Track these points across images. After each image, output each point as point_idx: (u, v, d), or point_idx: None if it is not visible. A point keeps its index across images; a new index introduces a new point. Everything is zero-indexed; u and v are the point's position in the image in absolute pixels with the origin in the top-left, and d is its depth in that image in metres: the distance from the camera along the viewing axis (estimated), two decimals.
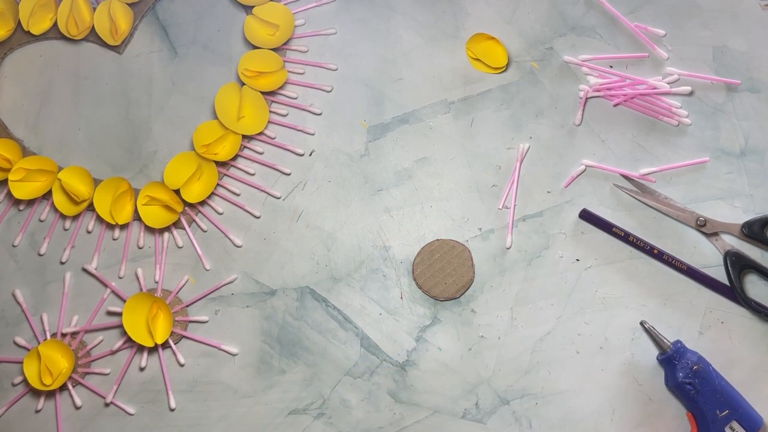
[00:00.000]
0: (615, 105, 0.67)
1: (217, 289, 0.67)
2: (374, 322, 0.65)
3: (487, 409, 0.63)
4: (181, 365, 0.66)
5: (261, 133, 0.69)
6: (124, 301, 0.66)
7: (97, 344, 0.67)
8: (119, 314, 0.66)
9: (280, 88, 0.69)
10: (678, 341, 0.61)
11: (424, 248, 0.66)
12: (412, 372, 0.64)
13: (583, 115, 0.67)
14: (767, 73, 0.67)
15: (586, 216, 0.65)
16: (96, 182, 0.69)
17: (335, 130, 0.69)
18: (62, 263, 0.68)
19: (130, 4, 0.71)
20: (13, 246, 0.69)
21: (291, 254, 0.67)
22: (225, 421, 0.65)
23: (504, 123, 0.68)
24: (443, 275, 0.65)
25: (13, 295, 0.68)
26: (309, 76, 0.70)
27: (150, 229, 0.68)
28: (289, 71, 0.70)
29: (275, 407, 0.65)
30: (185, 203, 0.68)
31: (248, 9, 0.71)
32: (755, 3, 0.68)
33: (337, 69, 0.70)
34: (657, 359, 0.62)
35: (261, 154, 0.69)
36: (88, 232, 0.68)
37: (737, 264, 0.62)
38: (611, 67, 0.68)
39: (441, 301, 0.65)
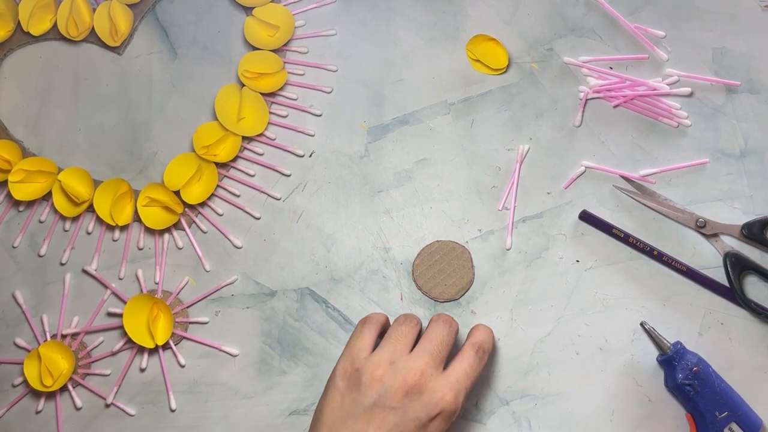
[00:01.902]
0: (615, 106, 0.67)
1: (218, 290, 0.67)
2: None
3: (487, 410, 0.63)
4: (182, 366, 0.66)
5: (261, 135, 0.69)
6: (125, 302, 0.66)
7: (98, 345, 0.67)
8: (120, 315, 0.66)
9: (280, 89, 0.69)
10: (678, 342, 0.61)
11: (424, 249, 0.66)
12: None
13: (583, 116, 0.67)
14: (767, 74, 0.67)
15: (586, 217, 0.65)
16: (96, 183, 0.69)
17: (335, 131, 0.69)
18: (62, 264, 0.68)
19: (129, 5, 0.71)
20: (13, 247, 0.69)
21: (291, 255, 0.67)
22: (225, 422, 0.65)
23: (504, 124, 0.68)
24: (443, 276, 0.65)
25: (13, 297, 0.68)
26: (309, 78, 0.70)
27: (150, 231, 0.68)
28: (289, 72, 0.70)
29: (276, 408, 0.65)
30: (185, 204, 0.68)
31: (248, 10, 0.71)
32: (755, 4, 0.68)
33: (337, 70, 0.70)
34: (657, 360, 0.62)
35: (261, 155, 0.69)
36: (88, 234, 0.69)
37: (737, 265, 0.62)
38: (611, 68, 0.68)
39: (441, 302, 0.65)
